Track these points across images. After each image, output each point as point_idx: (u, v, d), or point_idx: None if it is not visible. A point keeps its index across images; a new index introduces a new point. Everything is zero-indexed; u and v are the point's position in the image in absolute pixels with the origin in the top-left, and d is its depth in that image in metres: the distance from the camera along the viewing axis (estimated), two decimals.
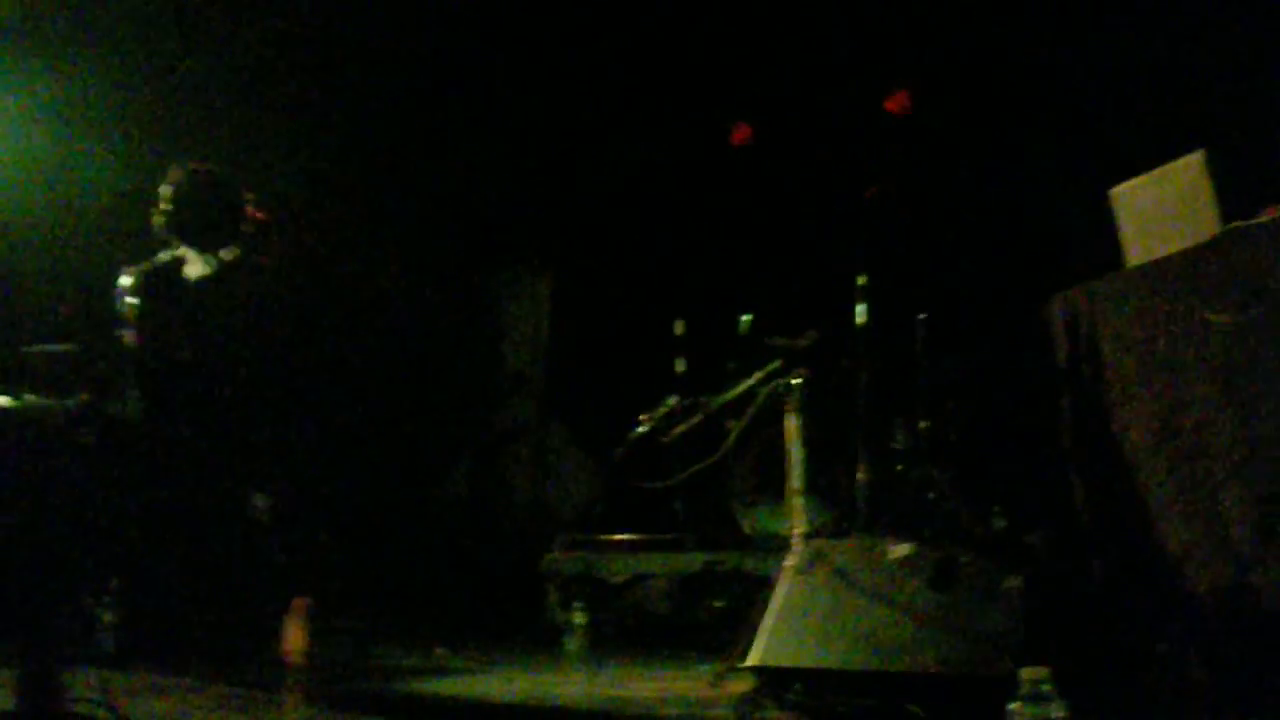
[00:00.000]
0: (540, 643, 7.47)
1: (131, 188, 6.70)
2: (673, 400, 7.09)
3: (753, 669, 5.09)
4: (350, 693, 5.82)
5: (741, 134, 9.13)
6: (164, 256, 6.08)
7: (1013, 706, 3.30)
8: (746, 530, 7.74)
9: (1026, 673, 3.33)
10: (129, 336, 6.34)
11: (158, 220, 6.13)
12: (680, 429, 6.96)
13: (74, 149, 7.89)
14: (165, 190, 6.08)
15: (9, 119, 8.22)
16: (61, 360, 6.50)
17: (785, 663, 4.99)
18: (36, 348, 6.62)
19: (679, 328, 8.57)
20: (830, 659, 4.89)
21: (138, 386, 6.01)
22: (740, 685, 5.35)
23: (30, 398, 7.06)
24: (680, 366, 8.45)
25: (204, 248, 6.06)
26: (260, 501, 9.31)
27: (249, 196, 6.24)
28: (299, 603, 6.16)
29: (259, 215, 6.27)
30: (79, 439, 5.75)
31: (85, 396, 5.94)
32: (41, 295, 7.98)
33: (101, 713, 4.20)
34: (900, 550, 5.01)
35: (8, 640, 4.87)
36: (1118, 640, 4.55)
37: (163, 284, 6.09)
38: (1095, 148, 7.38)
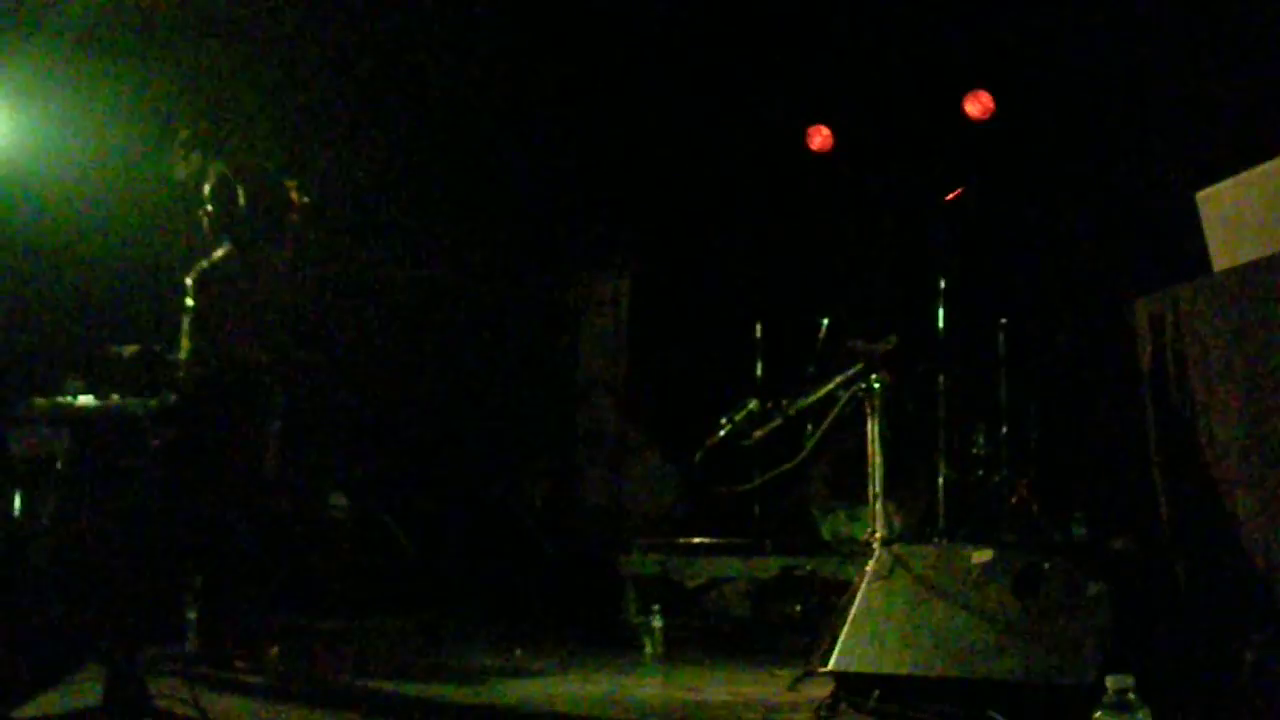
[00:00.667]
0: (617, 645, 7.46)
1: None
2: (752, 403, 7.06)
3: (831, 674, 5.07)
4: (428, 695, 5.85)
5: (820, 139, 9.13)
6: (217, 255, 6.10)
7: (1097, 715, 3.26)
8: (825, 535, 7.72)
9: (1112, 681, 3.29)
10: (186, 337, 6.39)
11: (203, 220, 6.14)
12: (760, 432, 6.93)
13: (145, 147, 7.97)
14: (206, 190, 6.09)
15: (82, 119, 8.32)
16: (143, 360, 6.57)
17: (864, 668, 4.97)
18: (119, 347, 6.70)
19: (758, 331, 8.56)
20: (910, 665, 4.86)
21: (189, 386, 6.02)
22: (818, 690, 5.34)
23: (115, 397, 7.16)
24: (759, 369, 8.44)
25: (251, 243, 6.06)
26: (339, 502, 9.42)
27: (291, 184, 6.22)
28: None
29: (304, 201, 6.25)
30: (164, 438, 5.81)
31: (170, 396, 6.00)
32: (120, 293, 8.06)
33: (185, 708, 4.25)
34: (982, 556, 4.96)
35: (96, 637, 4.94)
36: (1203, 647, 4.49)
37: (217, 283, 6.11)
38: (1183, 150, 7.29)
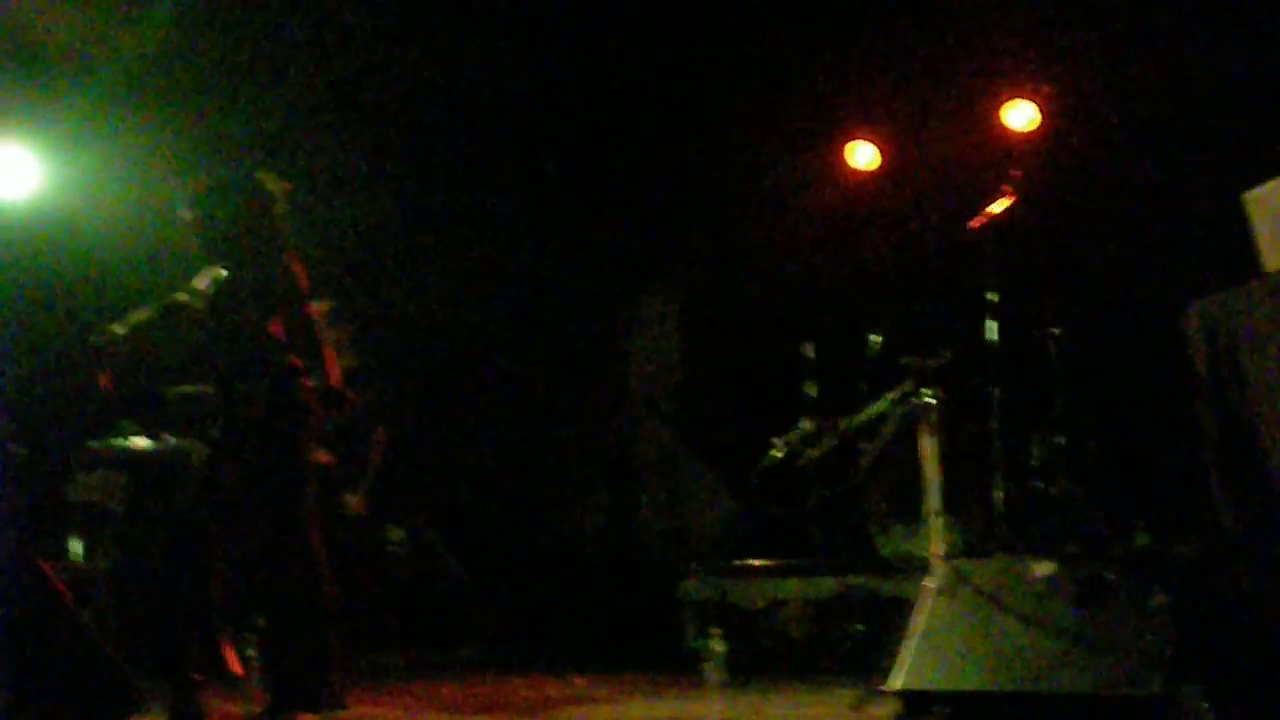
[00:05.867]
0: (678, 670, 7.44)
1: None
2: (806, 423, 7.03)
3: (895, 693, 5.03)
4: None
5: (865, 154, 9.11)
6: (201, 284, 5.71)
7: None
8: (883, 552, 7.66)
9: (1182, 693, 3.25)
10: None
11: (190, 245, 5.81)
12: (814, 452, 6.91)
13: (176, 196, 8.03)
14: (185, 213, 5.72)
15: (115, 170, 8.40)
16: (197, 401, 6.57)
17: (928, 686, 4.93)
18: (174, 388, 6.73)
19: (809, 350, 8.52)
20: (974, 681, 4.82)
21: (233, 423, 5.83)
22: (882, 710, 5.30)
23: (168, 437, 7.20)
24: (812, 389, 8.41)
25: (241, 265, 5.66)
26: (397, 535, 9.43)
27: (267, 176, 5.85)
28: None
29: (285, 186, 5.90)
30: (219, 479, 5.78)
31: (222, 436, 5.97)
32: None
33: None
34: (1043, 569, 4.91)
35: (157, 672, 4.97)
36: (1269, 655, 4.43)
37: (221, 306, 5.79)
38: (1230, 151, 7.23)
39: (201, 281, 5.54)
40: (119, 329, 5.41)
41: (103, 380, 5.63)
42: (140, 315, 5.53)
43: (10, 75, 8.22)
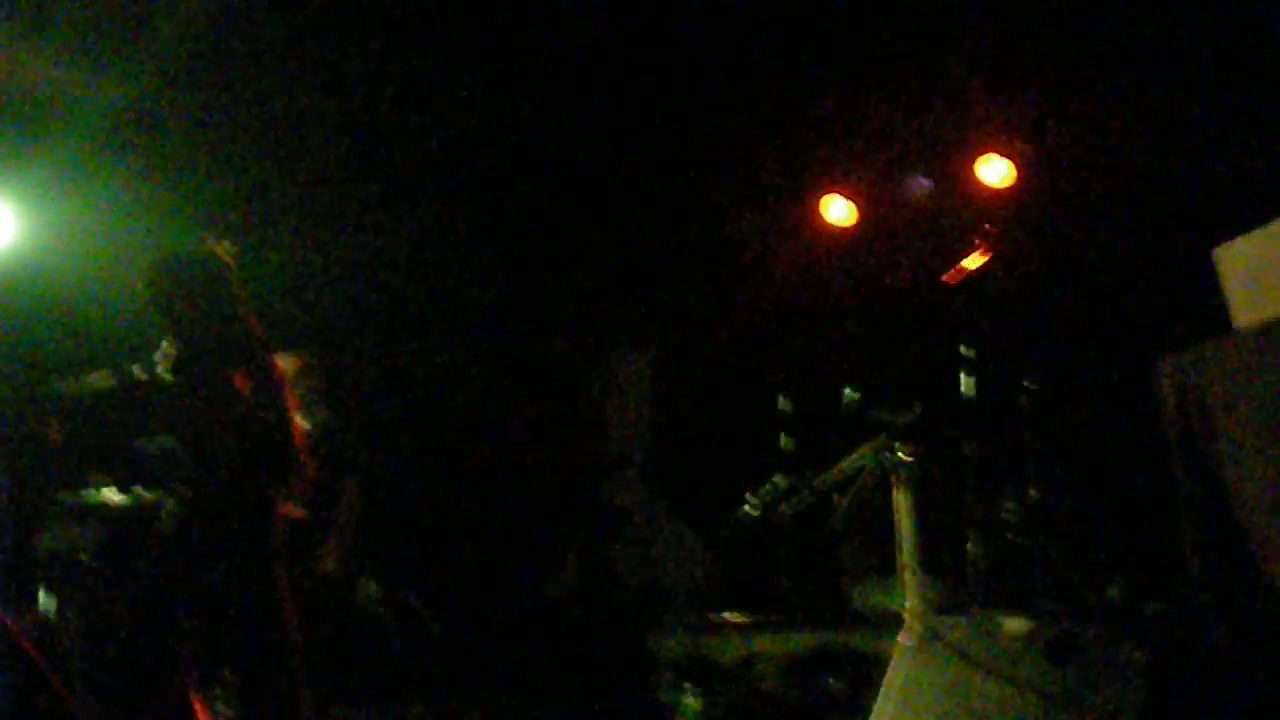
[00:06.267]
0: None
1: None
2: (779, 479, 7.02)
3: None
4: None
5: (837, 208, 9.14)
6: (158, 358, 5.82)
7: None
8: (857, 606, 7.65)
9: None
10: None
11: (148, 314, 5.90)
12: (787, 509, 6.89)
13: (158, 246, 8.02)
14: (141, 290, 5.79)
15: (94, 221, 8.38)
16: (170, 455, 6.54)
17: None
18: (147, 440, 6.69)
19: (783, 403, 8.53)
20: None
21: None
22: None
23: (141, 491, 7.15)
24: (786, 443, 8.41)
25: (199, 329, 5.75)
26: (372, 589, 9.38)
27: (219, 245, 5.93)
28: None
29: (230, 249, 5.98)
30: (188, 535, 5.77)
31: (193, 493, 5.96)
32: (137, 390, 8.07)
33: None
34: (1016, 625, 4.92)
35: None
36: (1244, 710, 4.43)
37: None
38: (1201, 207, 7.28)
39: (158, 356, 5.60)
40: (71, 387, 5.43)
41: (51, 433, 5.64)
42: (98, 382, 5.58)
43: None
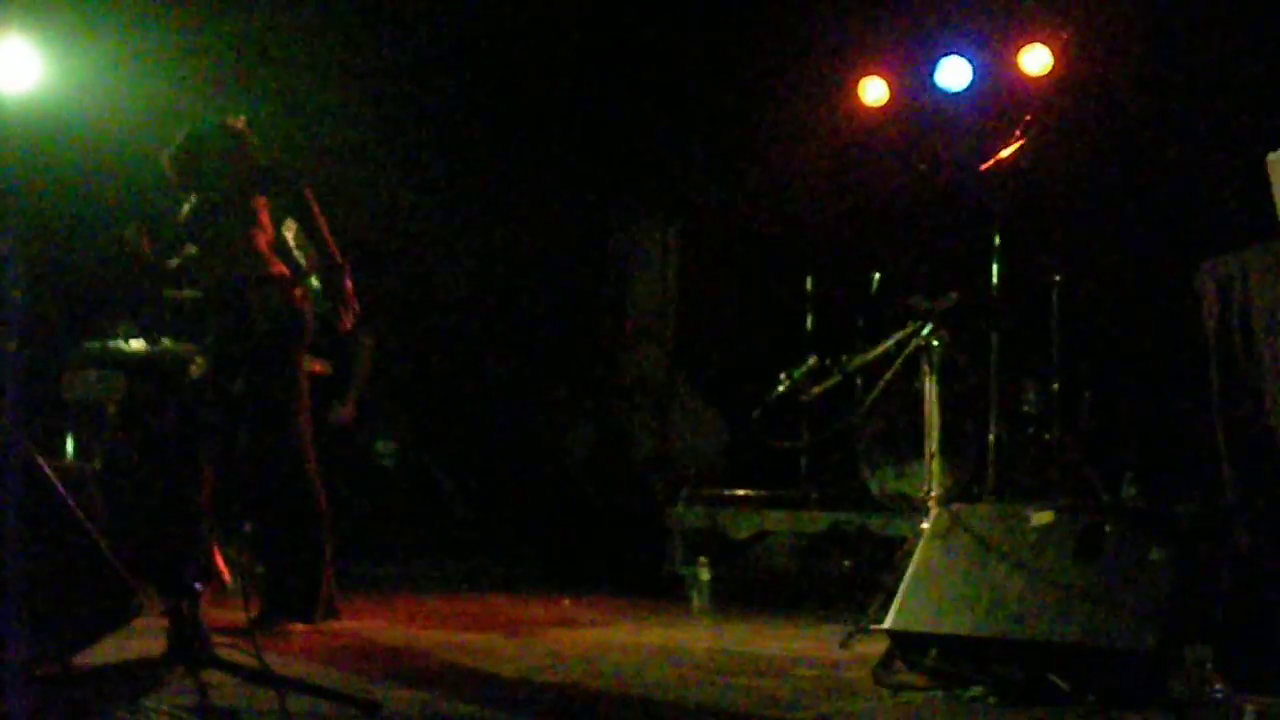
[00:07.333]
0: (663, 596, 7.48)
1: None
2: (813, 359, 7.03)
3: (887, 632, 5.05)
4: (480, 643, 5.87)
5: (874, 91, 9.04)
6: (185, 211, 6.09)
7: (1173, 684, 3.24)
8: (874, 491, 7.68)
9: (1190, 652, 3.27)
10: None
11: (172, 177, 6.12)
12: (818, 389, 6.90)
13: (185, 95, 7.94)
14: (168, 169, 6.10)
15: (120, 66, 8.30)
16: (195, 307, 6.57)
17: (921, 628, 4.94)
18: (173, 292, 6.70)
19: (809, 284, 8.51)
20: (968, 626, 4.83)
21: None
22: (870, 647, 5.33)
23: (166, 341, 7.18)
24: (809, 323, 8.41)
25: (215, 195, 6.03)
26: (386, 448, 9.44)
27: (234, 120, 6.12)
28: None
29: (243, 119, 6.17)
30: (224, 386, 5.82)
31: (219, 345, 6.00)
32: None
33: (244, 656, 4.26)
34: (1042, 517, 4.92)
35: (158, 587, 4.96)
36: (1266, 617, 4.46)
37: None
38: (1254, 110, 7.19)
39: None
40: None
41: (145, 244, 5.96)
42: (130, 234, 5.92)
43: None
